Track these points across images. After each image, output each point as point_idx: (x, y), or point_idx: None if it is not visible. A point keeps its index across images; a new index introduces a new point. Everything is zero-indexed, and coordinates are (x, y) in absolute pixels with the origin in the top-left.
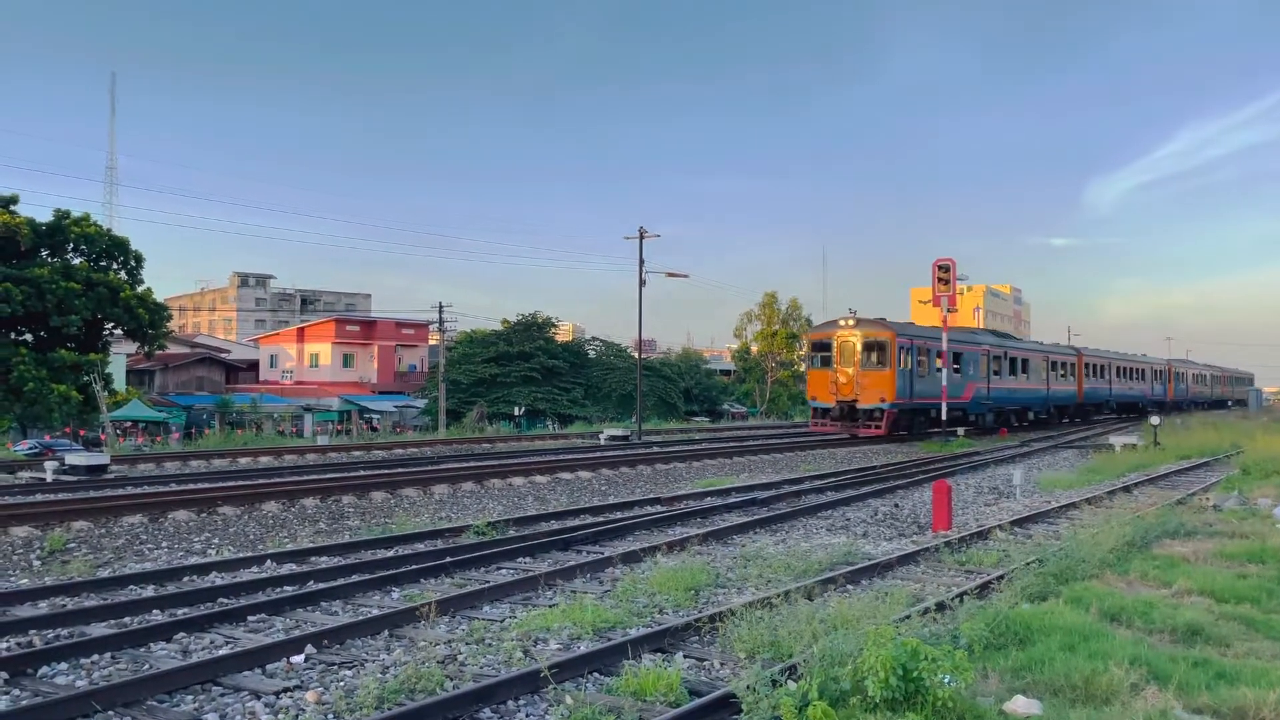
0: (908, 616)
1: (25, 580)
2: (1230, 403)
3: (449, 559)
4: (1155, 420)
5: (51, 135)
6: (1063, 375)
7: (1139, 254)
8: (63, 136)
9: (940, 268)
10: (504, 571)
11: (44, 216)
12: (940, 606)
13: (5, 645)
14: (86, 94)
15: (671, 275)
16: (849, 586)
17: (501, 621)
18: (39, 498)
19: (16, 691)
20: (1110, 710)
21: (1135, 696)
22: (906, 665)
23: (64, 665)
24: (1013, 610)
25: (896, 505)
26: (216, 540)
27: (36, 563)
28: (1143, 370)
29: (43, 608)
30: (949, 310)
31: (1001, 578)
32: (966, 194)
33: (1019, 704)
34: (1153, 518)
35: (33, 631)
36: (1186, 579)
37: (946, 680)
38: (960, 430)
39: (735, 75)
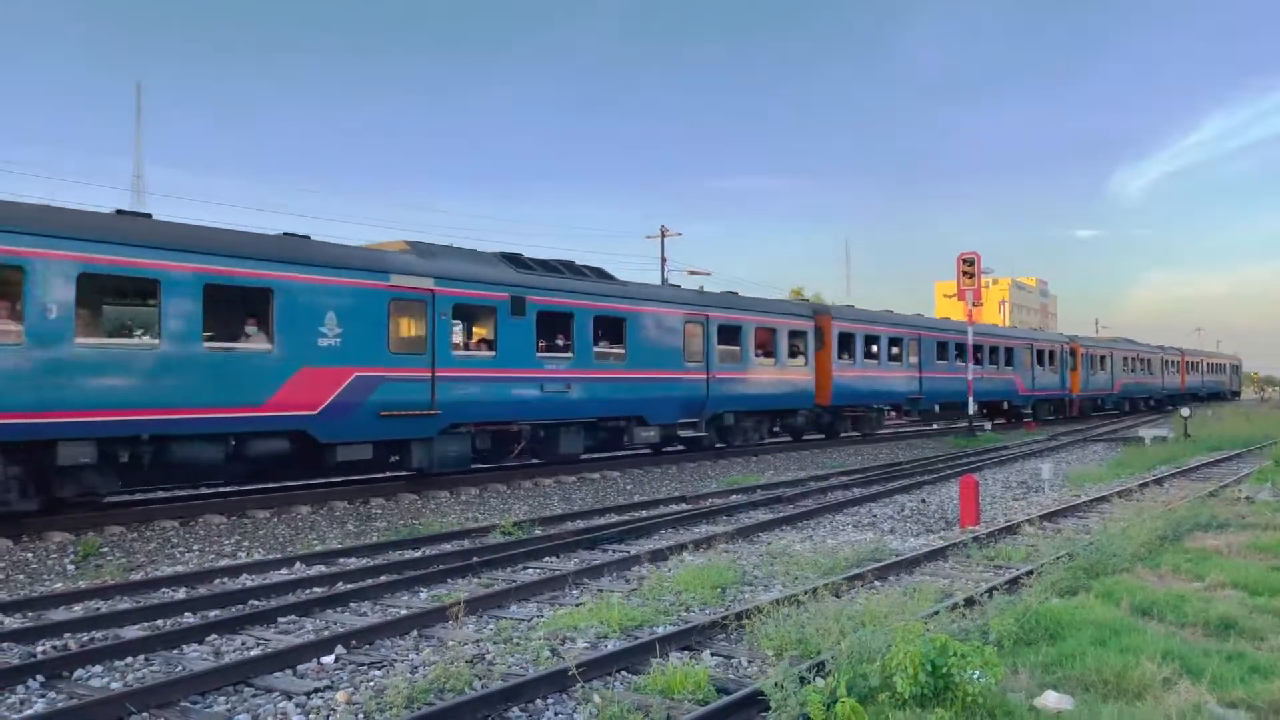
0: (936, 612)
1: (60, 584)
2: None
3: (476, 559)
4: (1185, 412)
5: (78, 143)
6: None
7: (1167, 245)
8: (90, 144)
9: (965, 261)
10: (531, 571)
11: None
12: (969, 602)
13: (41, 648)
14: (112, 102)
15: (693, 273)
16: (876, 583)
17: (529, 621)
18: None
19: (53, 694)
20: (1143, 705)
21: (1168, 691)
22: (935, 661)
23: (99, 668)
24: (1042, 605)
25: (924, 501)
26: (247, 543)
27: (71, 567)
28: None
29: (77, 611)
30: (974, 304)
31: (1031, 573)
32: (991, 187)
33: (1050, 699)
34: (1184, 510)
35: (68, 635)
36: (1219, 572)
37: (976, 676)
38: (988, 424)
39: (756, 72)
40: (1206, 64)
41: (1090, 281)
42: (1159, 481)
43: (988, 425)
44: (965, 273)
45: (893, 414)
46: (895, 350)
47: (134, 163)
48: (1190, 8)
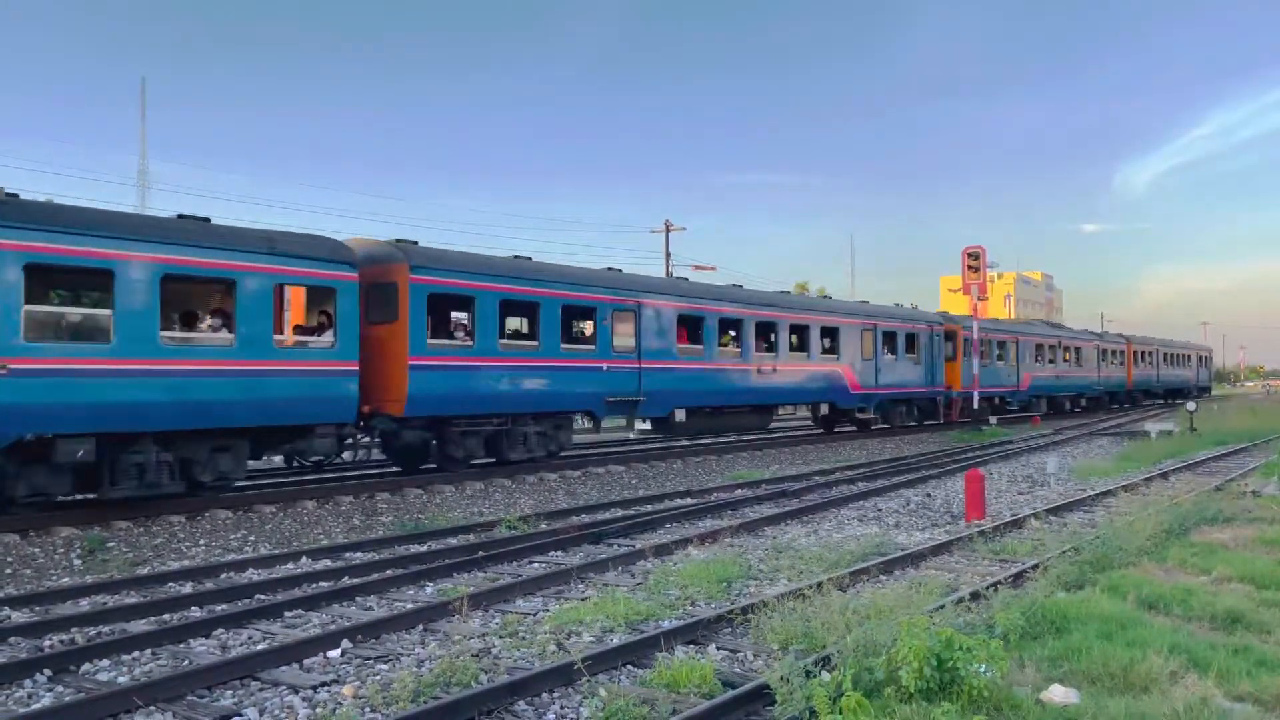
0: (942, 606)
1: (67, 579)
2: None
3: (481, 553)
4: (1191, 406)
5: (82, 139)
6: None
7: (1172, 239)
8: (94, 140)
9: (970, 255)
10: (536, 565)
11: None
12: (975, 596)
13: (49, 643)
14: (116, 97)
15: (698, 268)
16: (882, 577)
17: (534, 615)
18: (79, 497)
19: (60, 688)
20: (1149, 699)
21: (1175, 685)
22: (941, 655)
23: (106, 662)
24: (1048, 599)
25: (929, 495)
26: (253, 538)
27: (77, 562)
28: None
29: (84, 606)
30: (980, 298)
31: (1037, 566)
32: (996, 181)
33: (1056, 693)
34: (1190, 504)
35: (75, 629)
36: (1226, 566)
37: (982, 670)
38: (994, 419)
39: (757, 65)
40: (1211, 57)
41: (1096, 276)
42: (1165, 475)
43: (993, 419)
44: (970, 267)
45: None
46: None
47: (139, 158)
48: (1195, 4)
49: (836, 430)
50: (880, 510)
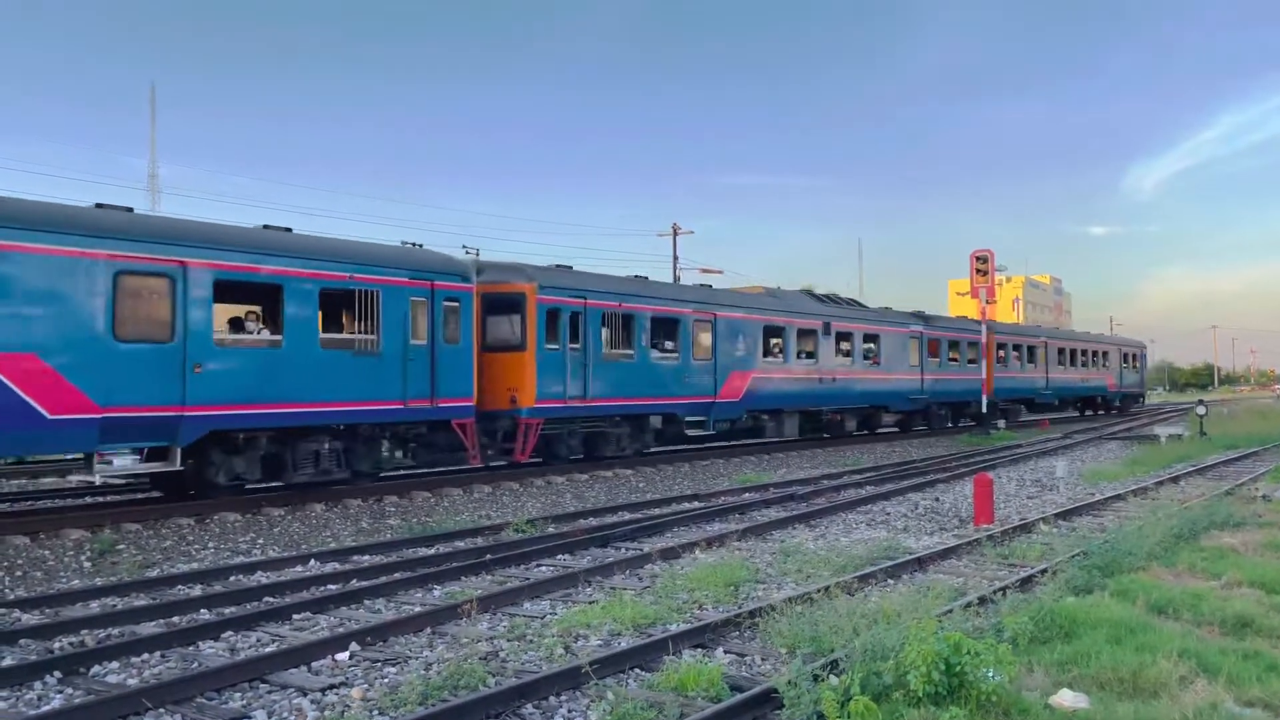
0: (950, 611)
1: (77, 581)
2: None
3: (489, 556)
4: (1201, 410)
5: (92, 142)
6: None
7: (1181, 241)
8: (103, 143)
9: (978, 259)
10: (544, 568)
11: None
12: (983, 600)
13: (59, 645)
14: (125, 101)
15: (706, 271)
16: (890, 581)
17: (542, 618)
18: (88, 500)
19: (70, 690)
20: (1159, 703)
21: (1184, 689)
22: (949, 659)
23: (115, 664)
24: (1057, 604)
25: (937, 499)
26: (262, 540)
27: (87, 564)
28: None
29: (94, 608)
30: (988, 302)
31: (1045, 571)
32: (1004, 184)
33: (1065, 698)
34: (1200, 509)
35: (84, 631)
36: (1236, 570)
37: (990, 674)
38: (1001, 423)
39: (763, 67)
40: (1219, 59)
41: (1105, 279)
42: (1175, 479)
43: (1001, 423)
44: (978, 270)
45: None
46: None
47: (149, 162)
48: (1202, 2)
49: (845, 435)
50: (888, 514)
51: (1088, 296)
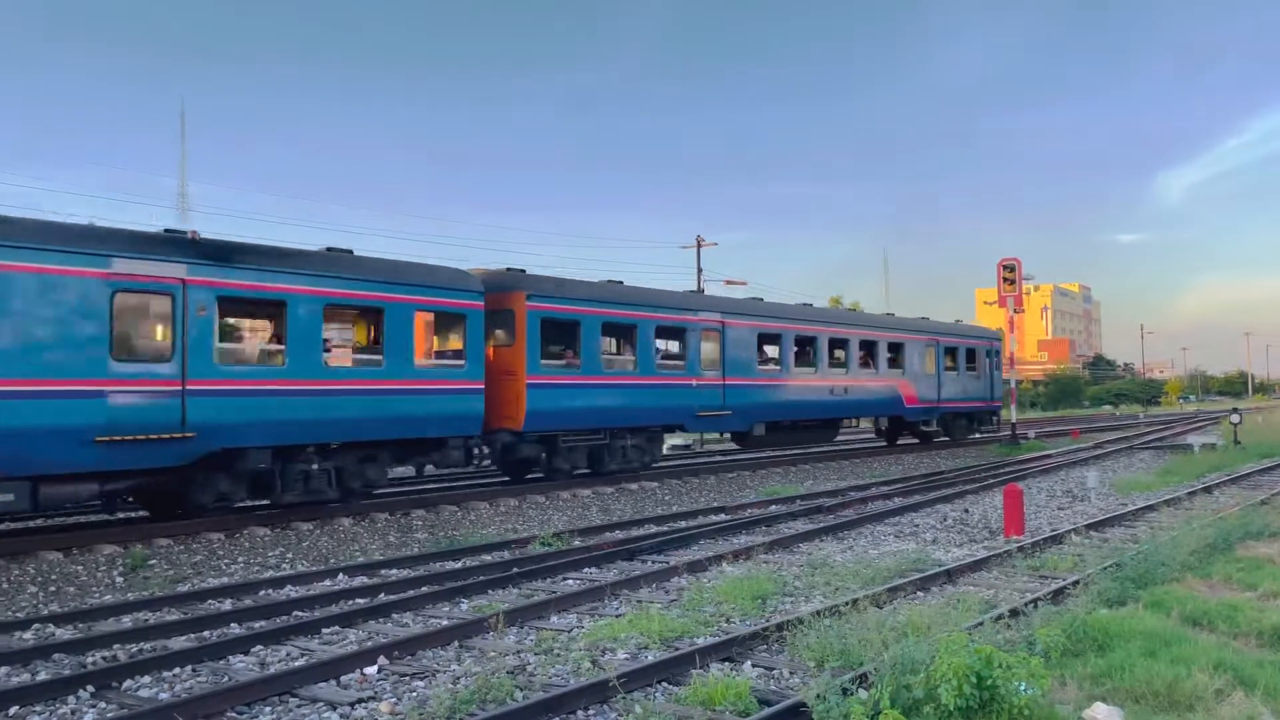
0: (981, 623)
1: (109, 597)
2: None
3: (516, 570)
4: (1235, 418)
5: (122, 163)
6: None
7: (1214, 248)
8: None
9: (1005, 267)
10: (570, 582)
11: None
12: (1014, 613)
13: (91, 660)
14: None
15: (730, 283)
16: (919, 593)
17: (569, 632)
18: (120, 516)
19: (103, 704)
20: (1194, 717)
21: (1221, 702)
22: (981, 673)
23: (147, 678)
24: (1090, 616)
25: (966, 510)
26: (290, 555)
27: (119, 579)
28: None
29: (126, 623)
30: (1016, 311)
31: (1077, 583)
32: (1032, 192)
33: (1099, 711)
34: (1235, 519)
35: (117, 646)
36: (1272, 581)
37: (1022, 688)
38: (1031, 433)
39: (790, 79)
40: (1248, 65)
41: (1136, 287)
42: (1208, 489)
43: (1031, 433)
44: (1006, 279)
45: None
46: None
47: (179, 181)
48: (1232, 7)
49: (871, 446)
50: (917, 526)
51: (1119, 305)
